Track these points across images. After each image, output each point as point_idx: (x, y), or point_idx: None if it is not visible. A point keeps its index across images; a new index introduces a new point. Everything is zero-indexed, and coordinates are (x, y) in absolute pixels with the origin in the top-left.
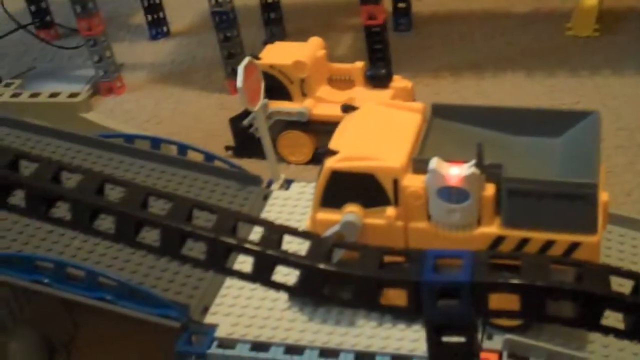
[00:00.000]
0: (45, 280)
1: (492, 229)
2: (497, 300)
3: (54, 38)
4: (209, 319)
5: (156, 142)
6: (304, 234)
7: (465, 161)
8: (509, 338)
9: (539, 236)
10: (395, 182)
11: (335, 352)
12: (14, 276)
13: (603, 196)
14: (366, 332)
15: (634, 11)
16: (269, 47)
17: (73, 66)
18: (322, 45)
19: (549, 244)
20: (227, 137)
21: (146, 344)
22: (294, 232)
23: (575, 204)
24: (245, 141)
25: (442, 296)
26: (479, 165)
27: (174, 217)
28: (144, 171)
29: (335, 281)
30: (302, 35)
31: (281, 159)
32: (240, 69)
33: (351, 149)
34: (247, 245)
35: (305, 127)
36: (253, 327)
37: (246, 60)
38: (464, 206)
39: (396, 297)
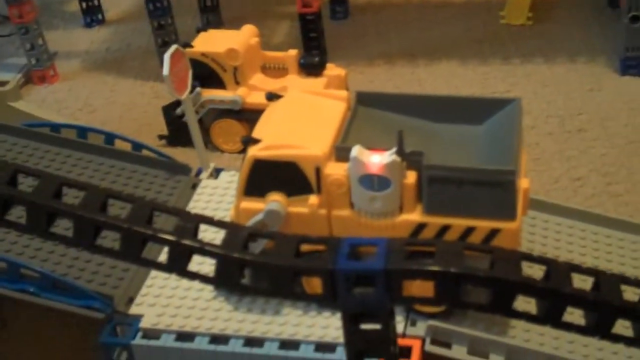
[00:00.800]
0: None
1: (413, 216)
2: (420, 287)
3: None
4: (134, 310)
5: (83, 131)
6: (219, 223)
7: (387, 149)
8: (431, 324)
9: (459, 223)
10: (318, 170)
11: (260, 341)
12: None
13: (523, 183)
14: (291, 321)
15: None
16: (202, 34)
17: (5, 54)
18: (256, 32)
19: (469, 230)
20: (161, 126)
21: (74, 337)
22: (209, 221)
23: (494, 191)
24: (179, 130)
25: (359, 284)
26: (399, 152)
27: (87, 207)
28: (70, 161)
29: (254, 270)
30: (238, 23)
31: (215, 147)
32: (166, 58)
33: (274, 137)
34: (162, 235)
35: (239, 115)
36: (178, 317)
37: (173, 48)
38: (385, 194)
39: (318, 285)
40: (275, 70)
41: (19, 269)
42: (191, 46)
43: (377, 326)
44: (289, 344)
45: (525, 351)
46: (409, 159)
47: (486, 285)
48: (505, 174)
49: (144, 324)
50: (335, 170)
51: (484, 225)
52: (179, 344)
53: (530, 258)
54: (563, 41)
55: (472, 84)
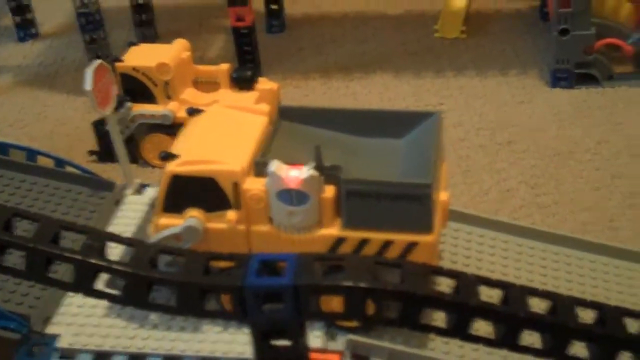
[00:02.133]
0: None
1: (332, 230)
2: (339, 302)
3: None
4: (50, 329)
5: (3, 147)
6: (127, 240)
7: (306, 164)
8: (350, 338)
9: (377, 237)
10: (236, 186)
11: (178, 359)
12: None
13: (442, 196)
14: (210, 338)
15: (499, 13)
16: (133, 48)
17: None
18: (187, 46)
19: (387, 244)
20: (93, 142)
21: None
22: (117, 239)
23: (410, 204)
24: (110, 145)
25: (270, 300)
26: (317, 167)
27: None
28: None
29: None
30: (174, 37)
31: (146, 162)
32: (89, 72)
33: (192, 152)
34: (68, 254)
35: (170, 130)
36: (95, 336)
37: (96, 62)
38: (304, 208)
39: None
40: (207, 84)
41: None
42: (121, 60)
43: (288, 342)
44: None
45: None
46: (327, 173)
47: (395, 299)
48: (421, 187)
49: (61, 343)
50: (253, 186)
51: (401, 238)
52: None
53: (439, 272)
54: (495, 54)
55: (405, 97)
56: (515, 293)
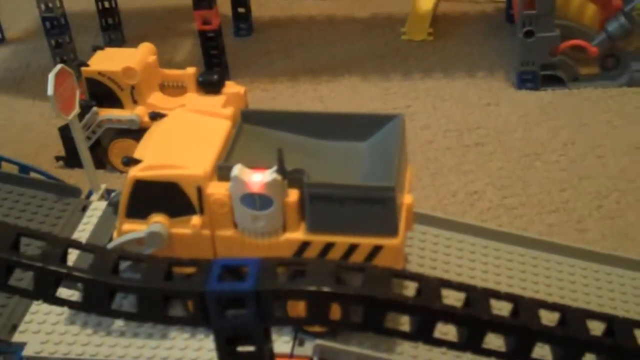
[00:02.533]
0: None
1: (297, 234)
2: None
3: None
4: (17, 337)
5: None
6: (87, 247)
7: (269, 167)
8: (318, 344)
9: (342, 240)
10: (200, 190)
11: None
12: None
13: (406, 199)
14: (178, 344)
15: (466, 15)
16: (98, 53)
17: None
18: (154, 50)
19: (352, 247)
20: (59, 148)
21: None
22: (77, 245)
23: (374, 208)
24: (76, 151)
25: (232, 306)
26: (280, 171)
27: None
28: None
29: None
30: (141, 42)
31: (113, 167)
32: (51, 77)
33: (155, 157)
34: (27, 261)
35: (137, 135)
36: (63, 344)
37: (58, 67)
38: (268, 213)
39: None
40: (174, 88)
41: None
42: (87, 65)
43: (251, 348)
44: None
45: None
46: (291, 177)
47: (357, 303)
48: (384, 190)
49: (27, 351)
50: (217, 190)
51: (366, 242)
52: None
53: (401, 275)
54: (462, 56)
55: (373, 100)
56: (478, 295)
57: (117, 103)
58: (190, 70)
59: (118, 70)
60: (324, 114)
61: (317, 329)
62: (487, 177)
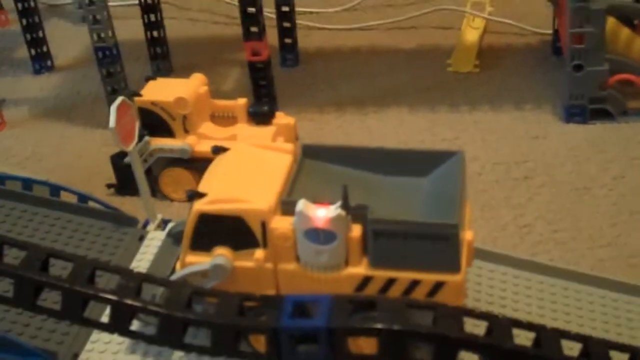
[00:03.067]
0: None
1: (359, 269)
2: (367, 342)
3: None
4: None
5: (27, 182)
6: (162, 281)
7: (332, 202)
8: None
9: (404, 276)
10: (264, 224)
11: None
12: None
13: (467, 235)
14: None
15: (512, 47)
16: (150, 83)
17: None
18: (205, 81)
19: (414, 283)
20: (110, 174)
21: None
22: (152, 279)
23: (437, 244)
24: (127, 179)
25: (304, 342)
26: (344, 206)
27: (27, 266)
28: (14, 213)
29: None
30: (189, 71)
31: (164, 196)
32: (113, 109)
33: (220, 191)
34: (104, 295)
35: (188, 164)
36: None
37: (119, 99)
38: (331, 247)
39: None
40: (224, 118)
41: None
42: (140, 95)
43: None
44: None
45: None
46: (354, 212)
47: (429, 341)
48: (448, 227)
49: None
50: (280, 224)
51: (428, 278)
52: None
53: (472, 314)
54: (509, 89)
55: (420, 131)
56: (547, 336)
57: (168, 132)
58: (241, 101)
59: (170, 101)
60: (384, 150)
61: None
62: (537, 211)
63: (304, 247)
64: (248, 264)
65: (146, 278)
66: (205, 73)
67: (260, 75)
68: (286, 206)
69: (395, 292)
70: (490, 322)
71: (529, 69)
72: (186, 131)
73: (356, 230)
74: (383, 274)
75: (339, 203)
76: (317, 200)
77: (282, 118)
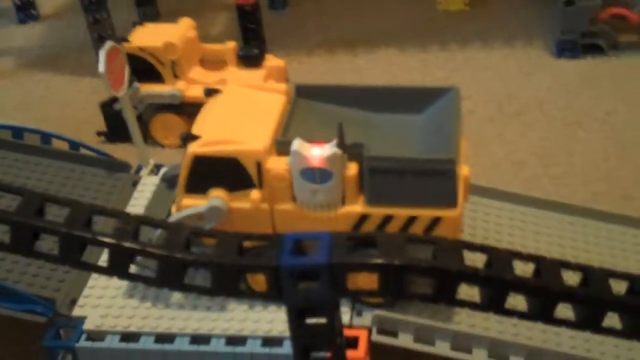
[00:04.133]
0: None
1: (356, 207)
2: (365, 279)
3: None
4: (76, 312)
5: (18, 131)
6: (160, 223)
7: (328, 141)
8: (377, 314)
9: (401, 213)
10: (259, 165)
11: (206, 338)
12: None
13: (463, 170)
14: (238, 316)
15: None
16: (138, 28)
17: None
18: (193, 25)
19: (411, 219)
20: (100, 123)
21: (20, 341)
22: (150, 221)
23: (434, 180)
24: (118, 126)
25: (303, 279)
26: (340, 145)
27: (23, 212)
28: (6, 162)
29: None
30: (175, 16)
31: (155, 142)
32: (102, 54)
33: (213, 133)
34: (102, 238)
35: (178, 109)
36: (122, 317)
37: (108, 44)
38: (327, 186)
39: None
40: (213, 62)
41: None
42: (128, 41)
43: (323, 320)
44: (236, 340)
45: (471, 337)
46: (350, 151)
47: (429, 276)
48: (445, 162)
49: (88, 325)
50: (276, 165)
51: (425, 214)
52: (124, 345)
53: (471, 247)
54: (500, 26)
55: (411, 71)
56: (549, 266)
57: (158, 78)
58: (230, 44)
59: (159, 46)
60: (377, 87)
61: (374, 300)
62: (530, 147)
63: (300, 186)
64: (244, 205)
65: (144, 220)
66: (193, 18)
67: (249, 19)
68: (281, 146)
69: (392, 229)
70: (489, 255)
71: (520, 6)
72: (176, 76)
73: (352, 169)
74: (380, 212)
75: (334, 142)
76: (312, 139)
77: (272, 60)
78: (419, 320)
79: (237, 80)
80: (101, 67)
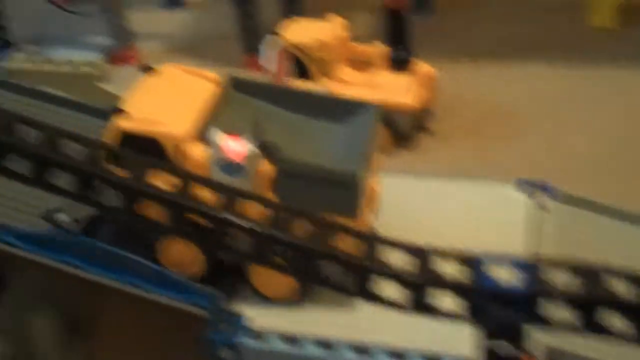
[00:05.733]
0: (76, 263)
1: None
2: None
3: (66, 2)
4: (237, 308)
5: None
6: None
7: (247, 137)
8: (549, 346)
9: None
10: (178, 149)
11: (365, 349)
12: (45, 256)
13: (371, 183)
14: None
15: None
16: (290, 24)
17: (86, 33)
18: (345, 25)
19: None
20: None
21: (169, 330)
22: None
23: (337, 190)
24: None
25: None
26: (258, 142)
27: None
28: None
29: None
30: (318, 13)
31: None
32: (272, 52)
33: (141, 110)
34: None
35: None
36: (283, 319)
37: (278, 43)
38: (239, 180)
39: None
40: (360, 63)
41: (124, 260)
42: (279, 35)
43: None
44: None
45: None
46: (266, 150)
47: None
48: (349, 175)
49: (250, 323)
50: (195, 151)
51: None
52: (287, 347)
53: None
54: None
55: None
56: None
57: (305, 75)
58: (380, 46)
59: (312, 43)
60: (310, 93)
61: None
62: None
63: (215, 176)
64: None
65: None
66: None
67: (398, 22)
68: (202, 134)
69: None
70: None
71: None
72: (324, 74)
73: (266, 167)
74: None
75: (251, 137)
76: (232, 132)
77: (421, 66)
78: (589, 354)
79: (386, 84)
80: (271, 66)
